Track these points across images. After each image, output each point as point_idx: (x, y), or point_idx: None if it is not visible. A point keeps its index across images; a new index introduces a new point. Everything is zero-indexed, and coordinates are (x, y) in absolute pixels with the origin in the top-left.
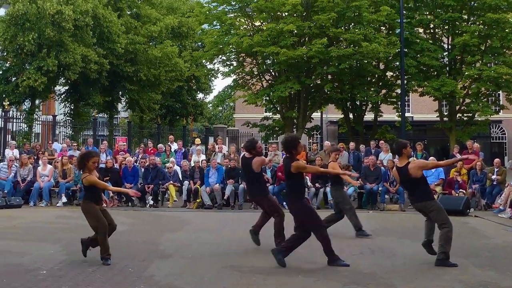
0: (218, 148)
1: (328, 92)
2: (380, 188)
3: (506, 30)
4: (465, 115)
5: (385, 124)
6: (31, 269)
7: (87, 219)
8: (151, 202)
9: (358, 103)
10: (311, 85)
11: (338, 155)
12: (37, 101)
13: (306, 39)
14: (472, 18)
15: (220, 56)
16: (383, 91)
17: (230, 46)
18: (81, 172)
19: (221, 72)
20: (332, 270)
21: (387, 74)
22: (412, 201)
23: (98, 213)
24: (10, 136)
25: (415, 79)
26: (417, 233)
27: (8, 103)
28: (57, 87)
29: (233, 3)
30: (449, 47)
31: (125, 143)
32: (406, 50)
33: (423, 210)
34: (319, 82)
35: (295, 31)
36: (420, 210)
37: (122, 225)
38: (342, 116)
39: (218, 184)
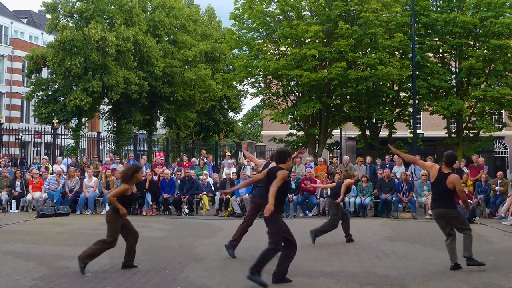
0: (247, 162)
1: (347, 111)
2: (394, 198)
3: (508, 55)
4: (471, 131)
5: (399, 140)
6: (78, 271)
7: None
8: (187, 211)
9: (374, 121)
10: (332, 104)
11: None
12: (83, 119)
13: (327, 62)
14: (477, 44)
15: (249, 78)
16: (397, 110)
17: (258, 69)
18: (123, 183)
19: (250, 92)
20: (350, 272)
21: (400, 94)
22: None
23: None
24: (58, 151)
25: (426, 99)
26: (428, 239)
27: (57, 121)
28: (101, 106)
29: (261, 30)
30: (457, 70)
31: (162, 157)
32: (417, 73)
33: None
34: (339, 102)
35: (317, 56)
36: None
37: (160, 232)
38: (360, 132)
39: (247, 194)
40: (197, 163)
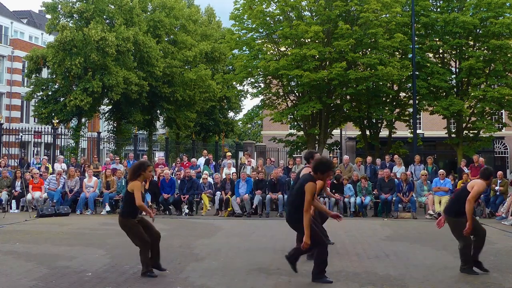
0: (247, 161)
1: (347, 111)
2: (394, 198)
3: (508, 55)
4: (471, 132)
5: (399, 140)
6: (78, 271)
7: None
8: (187, 211)
9: (374, 121)
10: (332, 104)
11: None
12: (83, 119)
13: (327, 63)
14: (477, 44)
15: (249, 78)
16: (397, 110)
17: (258, 69)
18: (131, 181)
19: (250, 92)
20: (350, 272)
21: (400, 94)
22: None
23: (138, 229)
24: (58, 151)
25: (426, 99)
26: (428, 239)
27: (57, 121)
28: (101, 107)
29: (261, 30)
30: (457, 70)
31: (163, 157)
32: (417, 73)
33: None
34: (339, 102)
35: (317, 56)
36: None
37: (160, 232)
38: (360, 132)
39: (247, 194)
40: (196, 163)
